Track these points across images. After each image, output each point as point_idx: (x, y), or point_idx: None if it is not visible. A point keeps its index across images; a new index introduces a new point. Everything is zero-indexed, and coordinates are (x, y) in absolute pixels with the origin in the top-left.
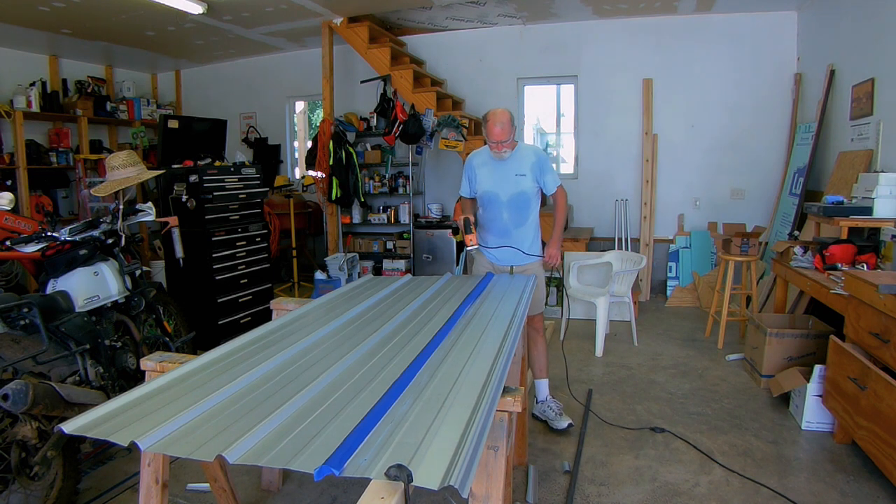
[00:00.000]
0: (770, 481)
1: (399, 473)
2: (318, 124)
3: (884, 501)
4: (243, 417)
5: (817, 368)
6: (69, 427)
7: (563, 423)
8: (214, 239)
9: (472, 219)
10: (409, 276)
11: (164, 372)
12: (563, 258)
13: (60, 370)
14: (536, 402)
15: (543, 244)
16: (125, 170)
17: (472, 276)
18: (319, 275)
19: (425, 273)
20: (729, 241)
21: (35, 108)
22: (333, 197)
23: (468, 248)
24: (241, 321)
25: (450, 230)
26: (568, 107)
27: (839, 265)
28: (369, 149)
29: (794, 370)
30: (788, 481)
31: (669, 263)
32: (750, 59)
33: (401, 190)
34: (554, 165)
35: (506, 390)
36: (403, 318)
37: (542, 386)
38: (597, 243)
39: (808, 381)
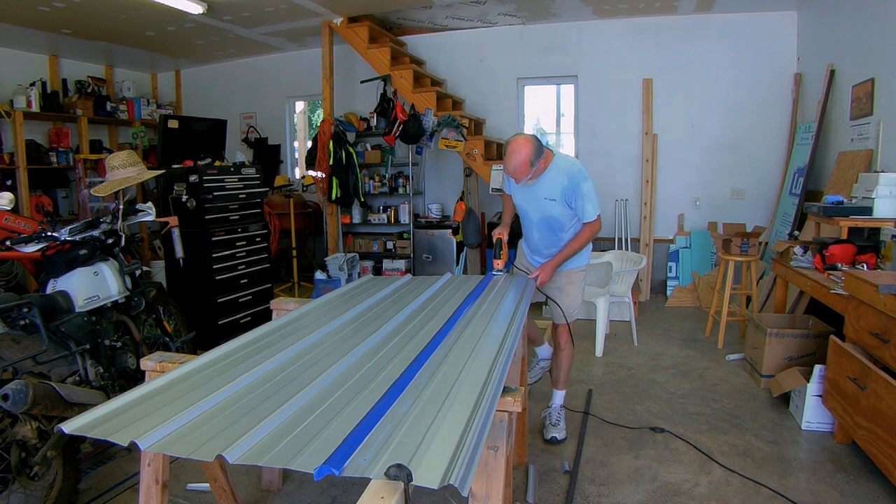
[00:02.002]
0: (770, 481)
1: (399, 473)
2: (318, 124)
3: (884, 501)
4: (243, 417)
5: (817, 368)
6: (69, 427)
7: (549, 434)
8: (214, 239)
9: (504, 239)
10: (409, 276)
11: (163, 372)
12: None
13: (60, 370)
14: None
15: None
16: (125, 170)
17: (472, 276)
18: (319, 275)
19: (425, 273)
20: (729, 241)
21: (35, 108)
22: (333, 197)
23: (494, 273)
24: (241, 321)
25: (450, 230)
26: (568, 107)
27: (839, 265)
28: (369, 149)
29: (794, 370)
30: (788, 481)
31: (669, 263)
32: (750, 59)
33: (401, 190)
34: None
35: (506, 390)
36: (403, 318)
37: (555, 395)
38: (597, 243)
39: (808, 381)
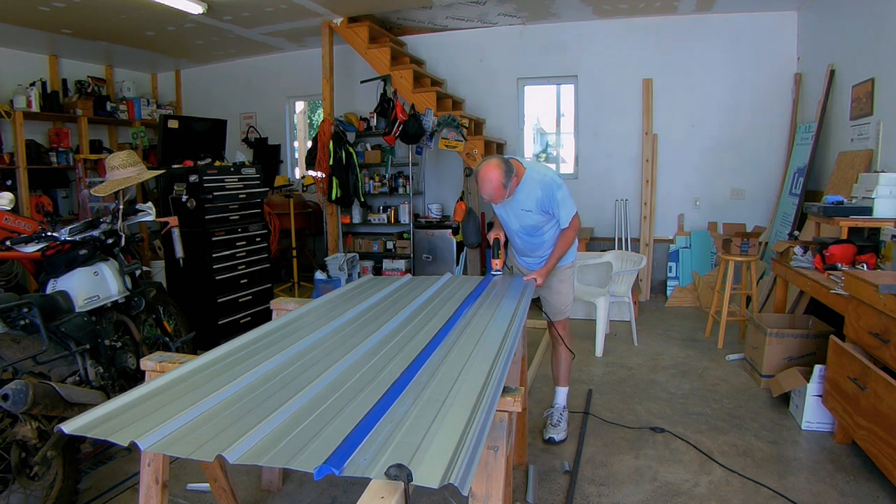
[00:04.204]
0: (770, 481)
1: (399, 473)
2: (318, 124)
3: (884, 501)
4: (243, 417)
5: (817, 368)
6: (69, 427)
7: (548, 434)
8: (214, 239)
9: (501, 240)
10: (408, 276)
11: (163, 372)
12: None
13: (60, 370)
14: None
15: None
16: (125, 170)
17: (472, 277)
18: (319, 275)
19: (425, 273)
20: (729, 240)
21: (35, 108)
22: (333, 197)
23: (493, 273)
24: (241, 321)
25: (450, 230)
26: (568, 107)
27: (839, 265)
28: (369, 149)
29: (794, 370)
30: (788, 481)
31: (669, 263)
32: (750, 59)
33: (401, 190)
34: (566, 188)
35: (506, 390)
36: (403, 318)
37: (557, 393)
38: (597, 243)
39: (808, 381)
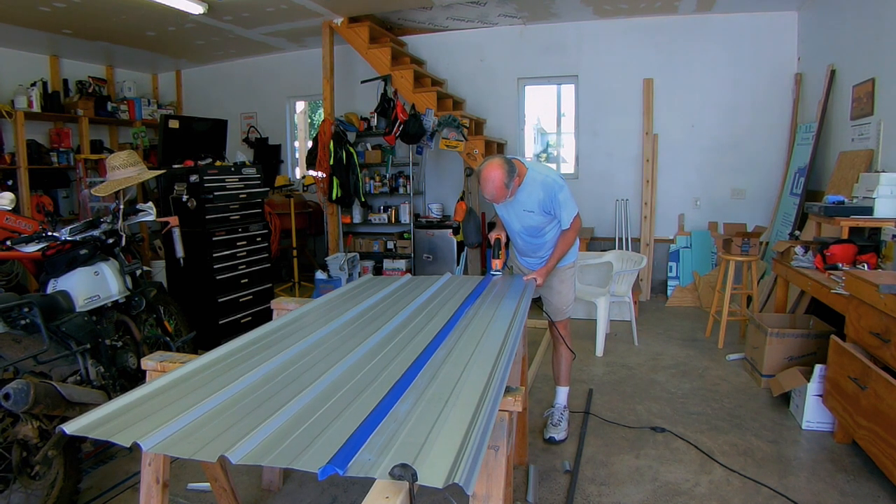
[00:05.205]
0: (770, 481)
1: (403, 473)
2: (318, 124)
3: (884, 501)
4: (245, 417)
5: (818, 368)
6: (71, 427)
7: (549, 433)
8: (215, 239)
9: (503, 240)
10: (409, 275)
11: (165, 372)
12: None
13: (61, 370)
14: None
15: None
16: (126, 170)
17: (472, 277)
18: (320, 274)
19: (425, 273)
20: (729, 240)
21: (36, 108)
22: (334, 197)
23: (493, 273)
24: (242, 321)
25: (450, 230)
26: (568, 107)
27: (840, 265)
28: (370, 149)
29: (794, 370)
30: (789, 481)
31: (670, 263)
32: (750, 59)
33: (401, 190)
34: (568, 188)
35: (507, 390)
36: (404, 317)
37: (558, 393)
38: (597, 243)
39: (808, 380)
